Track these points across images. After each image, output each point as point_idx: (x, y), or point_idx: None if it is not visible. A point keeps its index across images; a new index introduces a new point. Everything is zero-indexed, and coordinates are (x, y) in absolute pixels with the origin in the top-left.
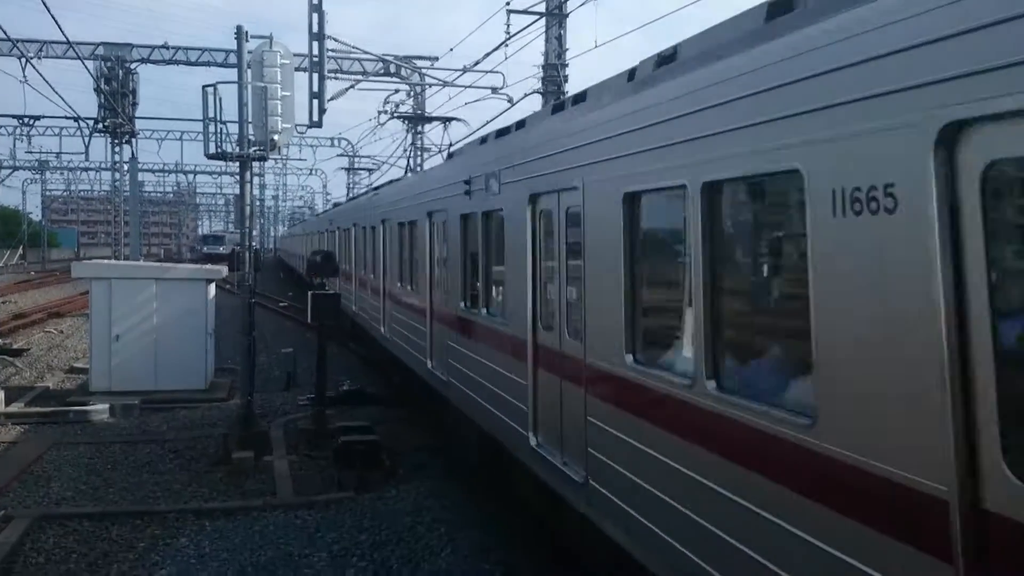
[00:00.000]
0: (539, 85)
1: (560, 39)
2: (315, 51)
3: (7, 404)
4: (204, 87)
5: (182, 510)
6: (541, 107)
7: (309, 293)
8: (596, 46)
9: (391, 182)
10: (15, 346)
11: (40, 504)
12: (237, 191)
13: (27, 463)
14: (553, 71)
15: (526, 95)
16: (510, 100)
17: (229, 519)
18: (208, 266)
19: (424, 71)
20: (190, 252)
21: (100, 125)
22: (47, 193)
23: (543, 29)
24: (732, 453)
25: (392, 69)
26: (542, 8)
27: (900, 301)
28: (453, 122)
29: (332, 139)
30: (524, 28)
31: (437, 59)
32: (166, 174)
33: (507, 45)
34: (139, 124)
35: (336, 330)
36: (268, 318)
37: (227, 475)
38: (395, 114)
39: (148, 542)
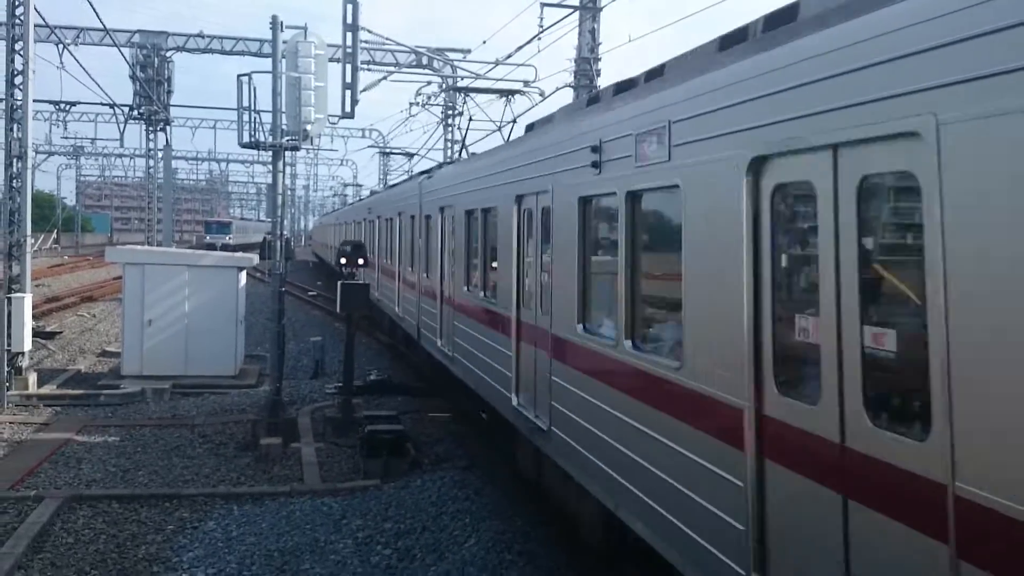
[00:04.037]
0: (571, 79)
1: (593, 33)
2: (348, 42)
3: (39, 386)
4: (239, 76)
5: (210, 494)
6: (573, 100)
7: (339, 283)
8: (629, 40)
9: (448, 162)
10: (48, 329)
11: (70, 485)
12: (269, 180)
13: (58, 444)
14: (586, 65)
15: (558, 88)
16: (542, 94)
17: (257, 504)
18: (239, 254)
19: (456, 63)
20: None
21: (135, 112)
22: (81, 178)
23: (576, 23)
24: None
25: (424, 61)
26: (576, 2)
27: None
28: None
29: (364, 130)
30: (558, 22)
31: (469, 51)
32: (199, 162)
33: (540, 39)
34: (173, 112)
35: (364, 320)
36: (297, 307)
37: (255, 460)
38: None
39: (176, 525)
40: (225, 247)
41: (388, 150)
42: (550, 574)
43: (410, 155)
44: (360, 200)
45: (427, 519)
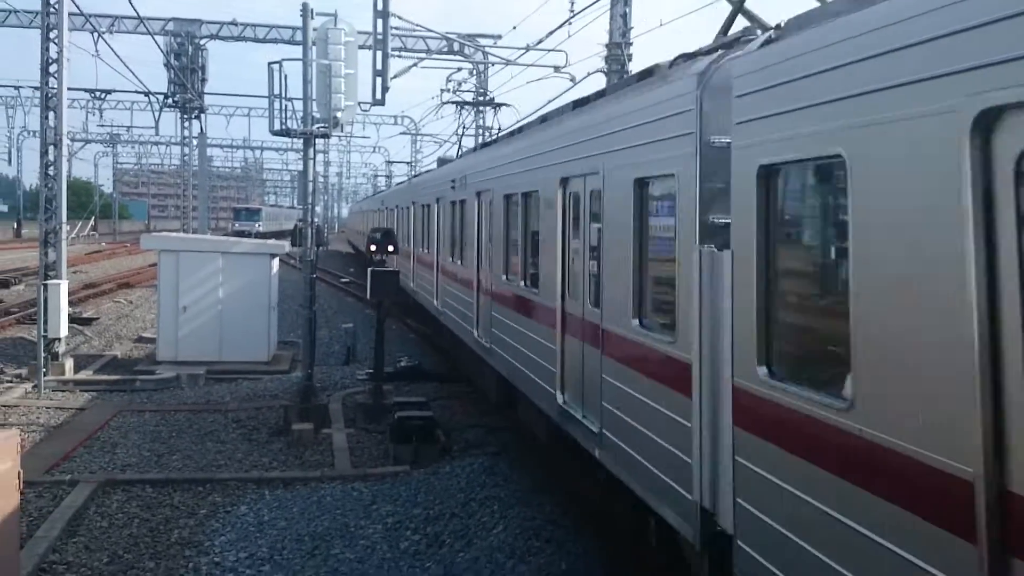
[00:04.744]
0: (603, 64)
1: (625, 17)
2: (379, 29)
3: (76, 371)
4: (269, 64)
5: (243, 479)
6: (606, 85)
7: (369, 269)
8: (660, 25)
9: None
10: (85, 315)
11: (105, 469)
12: (301, 167)
13: (94, 429)
14: (617, 50)
15: (589, 74)
16: (572, 79)
17: (288, 489)
18: (272, 241)
19: (487, 50)
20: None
21: (170, 100)
22: (118, 166)
23: (608, 7)
24: None
25: (455, 47)
26: None
27: None
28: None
29: (395, 117)
30: (589, 6)
31: (500, 37)
32: (234, 149)
33: (571, 23)
34: (208, 100)
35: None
36: (330, 293)
37: (287, 446)
38: None
39: (209, 509)
40: (256, 235)
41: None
42: (578, 561)
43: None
44: (418, 175)
45: (456, 505)
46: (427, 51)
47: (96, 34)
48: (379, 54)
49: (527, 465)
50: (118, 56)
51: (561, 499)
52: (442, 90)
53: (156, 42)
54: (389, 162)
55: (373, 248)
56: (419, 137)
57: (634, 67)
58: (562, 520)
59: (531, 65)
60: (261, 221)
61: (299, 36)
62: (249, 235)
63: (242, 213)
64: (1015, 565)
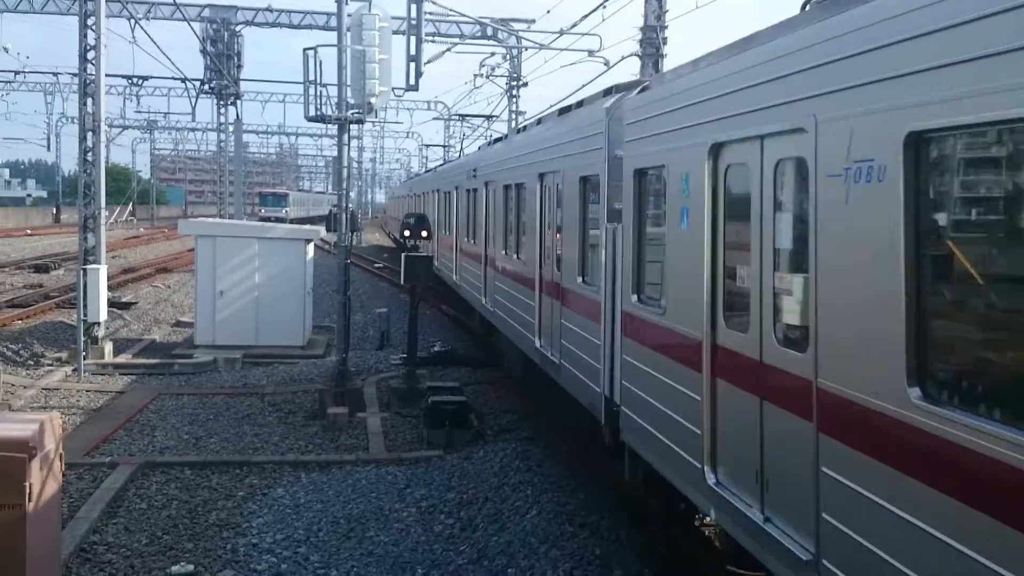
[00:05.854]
0: (637, 48)
1: (660, 0)
2: (413, 14)
3: (115, 355)
4: (304, 50)
5: (279, 461)
6: (640, 70)
7: (403, 255)
8: (697, 7)
9: None
10: (124, 299)
11: (144, 452)
12: (336, 153)
13: (133, 412)
14: (652, 33)
15: (623, 58)
16: (607, 63)
17: (324, 472)
18: (307, 227)
19: (520, 34)
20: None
21: (206, 86)
22: (155, 152)
23: None
24: None
25: (489, 32)
26: None
27: None
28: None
29: (428, 102)
30: None
31: (533, 21)
32: (269, 135)
33: (604, 7)
34: (244, 86)
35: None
36: (364, 278)
37: (322, 429)
38: None
39: (246, 491)
40: (280, 221)
41: (450, 124)
42: (612, 547)
43: None
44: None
45: (489, 489)
46: (460, 36)
47: (133, 21)
48: (413, 39)
49: (560, 450)
50: (154, 42)
51: (596, 485)
52: (475, 75)
53: (192, 28)
54: (453, 119)
55: (407, 234)
56: (451, 122)
57: (669, 51)
58: (596, 505)
59: (565, 49)
60: (288, 207)
61: (334, 22)
62: (282, 222)
63: (268, 198)
64: None
